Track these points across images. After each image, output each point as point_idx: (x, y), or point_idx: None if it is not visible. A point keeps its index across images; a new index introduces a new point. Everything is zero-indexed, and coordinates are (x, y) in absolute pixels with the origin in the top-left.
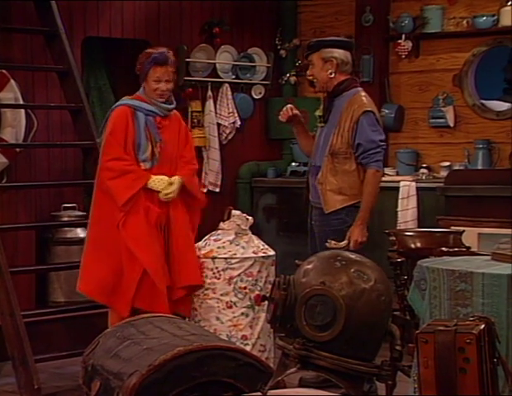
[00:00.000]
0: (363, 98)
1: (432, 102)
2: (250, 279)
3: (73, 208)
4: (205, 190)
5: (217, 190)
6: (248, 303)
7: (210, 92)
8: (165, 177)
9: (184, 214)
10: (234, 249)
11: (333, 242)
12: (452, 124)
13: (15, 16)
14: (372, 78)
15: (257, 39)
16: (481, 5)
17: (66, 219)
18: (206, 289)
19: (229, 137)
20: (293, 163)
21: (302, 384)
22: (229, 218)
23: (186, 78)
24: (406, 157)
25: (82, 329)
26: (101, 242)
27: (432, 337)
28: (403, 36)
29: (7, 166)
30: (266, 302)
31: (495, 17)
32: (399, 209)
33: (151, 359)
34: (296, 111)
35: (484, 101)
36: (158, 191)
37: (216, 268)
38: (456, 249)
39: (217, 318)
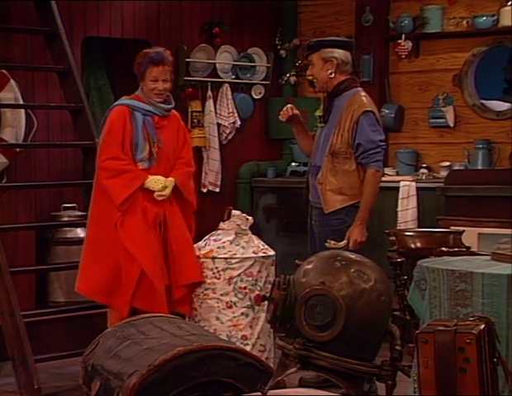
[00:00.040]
0: (363, 98)
1: (432, 102)
2: (250, 279)
3: (73, 208)
4: (205, 191)
5: (217, 190)
6: (248, 303)
7: (210, 92)
8: (162, 178)
9: (179, 214)
10: (234, 249)
11: (332, 242)
12: (452, 124)
13: (15, 16)
14: (372, 78)
15: (257, 39)
16: (481, 5)
17: (66, 219)
18: (206, 289)
19: (230, 137)
20: (293, 163)
21: (302, 384)
22: (229, 218)
23: (186, 78)
24: (406, 157)
25: (82, 329)
26: (100, 241)
27: (432, 337)
28: (403, 36)
29: (7, 166)
30: (266, 302)
31: (495, 17)
32: (399, 209)
33: (151, 359)
34: (296, 111)
35: (484, 101)
36: (155, 191)
37: (216, 268)
38: (456, 249)
39: (217, 318)
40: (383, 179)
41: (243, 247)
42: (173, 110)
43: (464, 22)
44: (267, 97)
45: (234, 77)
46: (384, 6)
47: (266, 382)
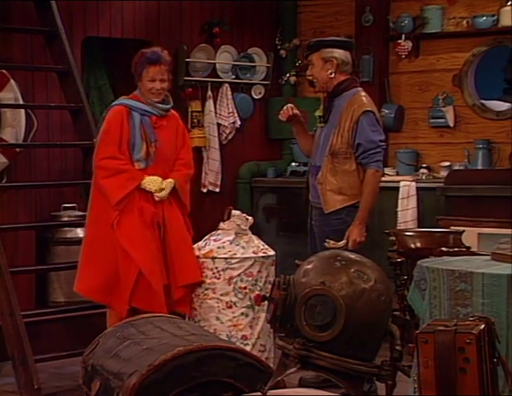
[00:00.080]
0: (363, 98)
1: (432, 102)
2: (250, 279)
3: (73, 208)
4: (205, 191)
5: (217, 190)
6: (248, 303)
7: (210, 92)
8: (159, 178)
9: (179, 214)
10: (234, 249)
11: (331, 241)
12: (452, 124)
13: (15, 16)
14: (372, 78)
15: (257, 39)
16: (481, 5)
17: (66, 219)
18: (206, 289)
19: (229, 137)
20: (293, 163)
21: (302, 384)
22: (229, 218)
23: (186, 78)
24: (406, 157)
25: (82, 329)
26: (98, 241)
27: (432, 337)
28: (403, 36)
29: (7, 166)
30: (266, 302)
31: (495, 17)
32: (399, 209)
33: (151, 359)
34: (296, 111)
35: (484, 101)
36: (152, 192)
37: (216, 268)
38: (456, 249)
39: (217, 318)
40: (383, 179)
41: (243, 247)
42: (172, 110)
43: (464, 22)
44: (267, 97)
45: (234, 77)
46: (384, 6)
47: (266, 382)
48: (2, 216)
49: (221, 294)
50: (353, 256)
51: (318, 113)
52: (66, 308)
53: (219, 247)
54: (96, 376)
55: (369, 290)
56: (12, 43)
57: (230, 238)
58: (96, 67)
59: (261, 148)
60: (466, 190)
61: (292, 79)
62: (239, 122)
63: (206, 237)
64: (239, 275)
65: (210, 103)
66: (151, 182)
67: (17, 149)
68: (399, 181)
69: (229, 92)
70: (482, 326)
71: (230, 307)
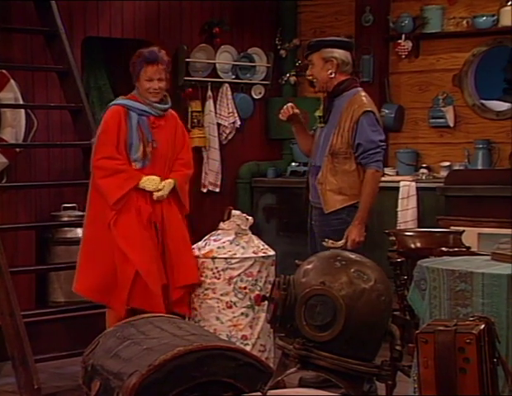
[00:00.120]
0: (363, 98)
1: (432, 102)
2: (250, 279)
3: (73, 208)
4: (205, 191)
5: (217, 190)
6: (248, 303)
7: (210, 92)
8: (157, 178)
9: (178, 214)
10: (234, 249)
11: (330, 241)
12: (452, 124)
13: (15, 16)
14: (372, 78)
15: (257, 39)
16: (481, 5)
17: (66, 219)
18: (206, 289)
19: (229, 137)
20: (293, 163)
21: (302, 384)
22: (229, 218)
23: (186, 78)
24: (406, 157)
25: (82, 329)
26: (96, 241)
27: (432, 337)
28: (403, 36)
29: (7, 166)
30: (266, 302)
31: (495, 17)
32: (399, 209)
33: (151, 359)
34: (296, 110)
35: (484, 101)
36: (150, 191)
37: (216, 268)
38: (456, 249)
39: (217, 318)
40: (383, 179)
41: (243, 247)
42: (171, 110)
43: (464, 22)
44: (267, 97)
45: (234, 77)
46: (384, 6)
47: (266, 382)
48: (2, 216)
49: (221, 294)
50: (353, 256)
51: (318, 113)
52: (66, 308)
53: (219, 247)
54: (96, 376)
55: (369, 290)
56: (12, 43)
57: (230, 238)
58: (96, 67)
59: (261, 148)
60: (466, 190)
61: (292, 79)
62: (239, 122)
63: (206, 237)
64: (239, 275)
65: (210, 103)
66: (149, 182)
67: (17, 149)
68: (399, 181)
69: (229, 92)
70: (482, 326)
71: (230, 307)
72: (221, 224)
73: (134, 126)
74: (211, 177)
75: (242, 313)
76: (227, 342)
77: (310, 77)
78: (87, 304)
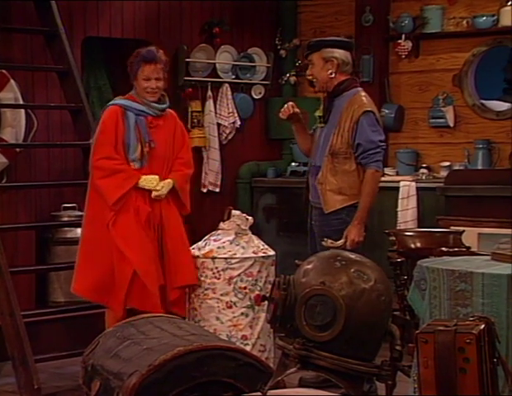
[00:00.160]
0: (363, 98)
1: (432, 102)
2: (250, 279)
3: (73, 208)
4: (205, 191)
5: (217, 190)
6: (248, 303)
7: (210, 92)
8: (156, 177)
9: (177, 214)
10: (234, 249)
11: (329, 240)
12: (452, 124)
13: (15, 16)
14: (372, 78)
15: (257, 39)
16: (481, 5)
17: (66, 219)
18: (206, 289)
19: (229, 137)
20: (293, 163)
21: (302, 384)
22: (229, 218)
23: (186, 78)
24: (406, 157)
25: (82, 329)
26: (95, 241)
27: (432, 337)
28: (403, 36)
29: (7, 166)
30: (266, 302)
31: (495, 17)
32: (399, 209)
33: (151, 359)
34: (296, 109)
35: (484, 101)
36: (150, 190)
37: (216, 268)
38: (456, 249)
39: (217, 318)
40: (383, 179)
41: (243, 247)
42: (170, 110)
43: (464, 22)
44: (267, 97)
45: (234, 77)
46: (384, 6)
47: (266, 382)
48: (2, 216)
49: (221, 294)
50: (353, 256)
51: (318, 113)
52: (66, 308)
53: (219, 247)
54: (96, 376)
55: (369, 290)
56: (12, 43)
57: (230, 238)
58: (96, 67)
59: (261, 148)
60: (466, 190)
61: (292, 79)
62: (239, 122)
63: (206, 237)
64: (239, 275)
65: (210, 103)
66: (148, 181)
67: (17, 149)
68: (399, 181)
69: (229, 92)
70: (482, 326)
71: (230, 307)
72: (221, 224)
73: (131, 126)
74: (211, 177)
75: (242, 313)
76: (227, 342)
77: (310, 77)
78: (87, 304)
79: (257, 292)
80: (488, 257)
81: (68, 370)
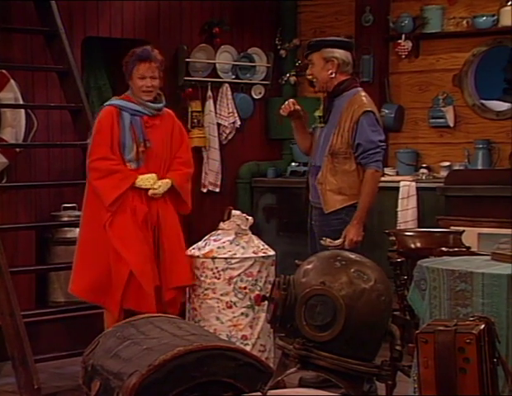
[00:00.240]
0: (363, 98)
1: (432, 102)
2: (250, 279)
3: (73, 208)
4: (205, 191)
5: (217, 190)
6: (248, 303)
7: (210, 92)
8: (153, 175)
9: (174, 215)
10: (234, 249)
11: (328, 240)
12: (452, 124)
13: (15, 16)
14: (372, 78)
15: (257, 39)
16: (481, 5)
17: (66, 219)
18: (206, 289)
19: (229, 137)
20: (293, 163)
21: (302, 384)
22: (229, 218)
23: (186, 78)
24: (406, 157)
25: (82, 329)
26: (92, 242)
27: (432, 337)
28: (403, 36)
29: (7, 166)
30: (266, 302)
31: (495, 17)
32: (399, 209)
33: (151, 359)
34: (297, 107)
35: (484, 101)
36: (147, 189)
37: (216, 268)
38: (456, 249)
39: (217, 318)
40: (383, 179)
41: (243, 247)
42: (167, 109)
43: (464, 22)
44: (267, 97)
45: (234, 77)
46: (384, 6)
47: (266, 382)
48: (2, 216)
49: (221, 294)
50: (353, 256)
51: (318, 113)
52: (66, 308)
53: (219, 247)
54: (96, 376)
55: (369, 290)
56: (12, 43)
57: (230, 238)
58: (96, 67)
59: (261, 148)
60: (466, 190)
61: (292, 79)
62: (239, 122)
63: (206, 237)
64: (239, 275)
65: (210, 103)
66: (145, 180)
67: (17, 149)
68: (399, 181)
69: (229, 92)
70: (482, 326)
71: (230, 307)
72: (221, 224)
73: (126, 126)
74: (211, 177)
75: (242, 313)
76: (227, 342)
77: (310, 77)
78: (87, 304)
79: (257, 292)
80: (488, 257)
81: (68, 370)
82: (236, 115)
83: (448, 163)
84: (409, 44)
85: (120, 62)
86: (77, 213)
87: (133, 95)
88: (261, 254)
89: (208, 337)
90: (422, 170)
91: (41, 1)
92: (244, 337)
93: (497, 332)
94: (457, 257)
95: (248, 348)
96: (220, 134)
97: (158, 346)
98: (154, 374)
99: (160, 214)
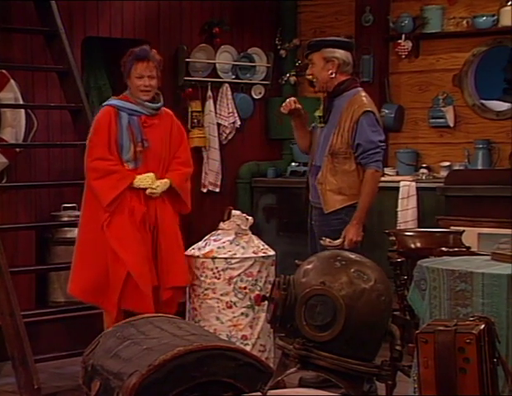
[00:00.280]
0: (363, 98)
1: (432, 102)
2: (250, 279)
3: (73, 208)
4: (205, 191)
5: (217, 190)
6: (248, 303)
7: (210, 92)
8: (151, 174)
9: (172, 215)
10: (234, 249)
11: (327, 239)
12: (452, 124)
13: (15, 16)
14: (372, 78)
15: (257, 39)
16: (481, 5)
17: (66, 219)
18: (206, 290)
19: (229, 137)
20: (293, 163)
21: (302, 384)
22: (229, 218)
23: (186, 78)
24: (406, 157)
25: (82, 329)
26: (90, 242)
27: (432, 337)
28: (403, 36)
29: (7, 166)
30: (266, 302)
31: (495, 17)
32: (399, 209)
33: (151, 359)
34: (298, 105)
35: (484, 101)
36: (145, 189)
37: (216, 268)
38: (456, 249)
39: (217, 318)
40: (383, 179)
41: (243, 247)
42: (166, 109)
43: (464, 22)
44: (267, 97)
45: (234, 77)
46: (384, 6)
47: (266, 382)
48: (2, 216)
49: (221, 294)
50: (353, 256)
51: (318, 113)
52: (66, 308)
53: (219, 247)
54: (96, 376)
55: (369, 290)
56: (12, 43)
57: (230, 238)
58: (96, 67)
59: (261, 148)
60: (466, 190)
61: (292, 79)
62: (239, 122)
63: (206, 237)
64: (239, 275)
65: (210, 103)
66: (143, 179)
67: (17, 149)
68: (399, 181)
69: (229, 92)
70: (482, 326)
71: (230, 307)
72: (221, 224)
73: (124, 126)
74: (211, 177)
75: (242, 313)
76: (227, 342)
77: (310, 77)
78: (87, 304)
79: (257, 292)
80: (488, 257)
81: (68, 370)
82: (236, 115)
83: (448, 163)
84: (409, 44)
85: (120, 62)
86: (77, 213)
87: (131, 95)
88: (261, 254)
89: (208, 337)
90: (422, 170)
91: (41, 1)
92: (244, 337)
93: (497, 332)
94: (457, 257)
95: (248, 348)
96: (220, 134)
97: (158, 346)
98: (154, 374)
99: (158, 215)
